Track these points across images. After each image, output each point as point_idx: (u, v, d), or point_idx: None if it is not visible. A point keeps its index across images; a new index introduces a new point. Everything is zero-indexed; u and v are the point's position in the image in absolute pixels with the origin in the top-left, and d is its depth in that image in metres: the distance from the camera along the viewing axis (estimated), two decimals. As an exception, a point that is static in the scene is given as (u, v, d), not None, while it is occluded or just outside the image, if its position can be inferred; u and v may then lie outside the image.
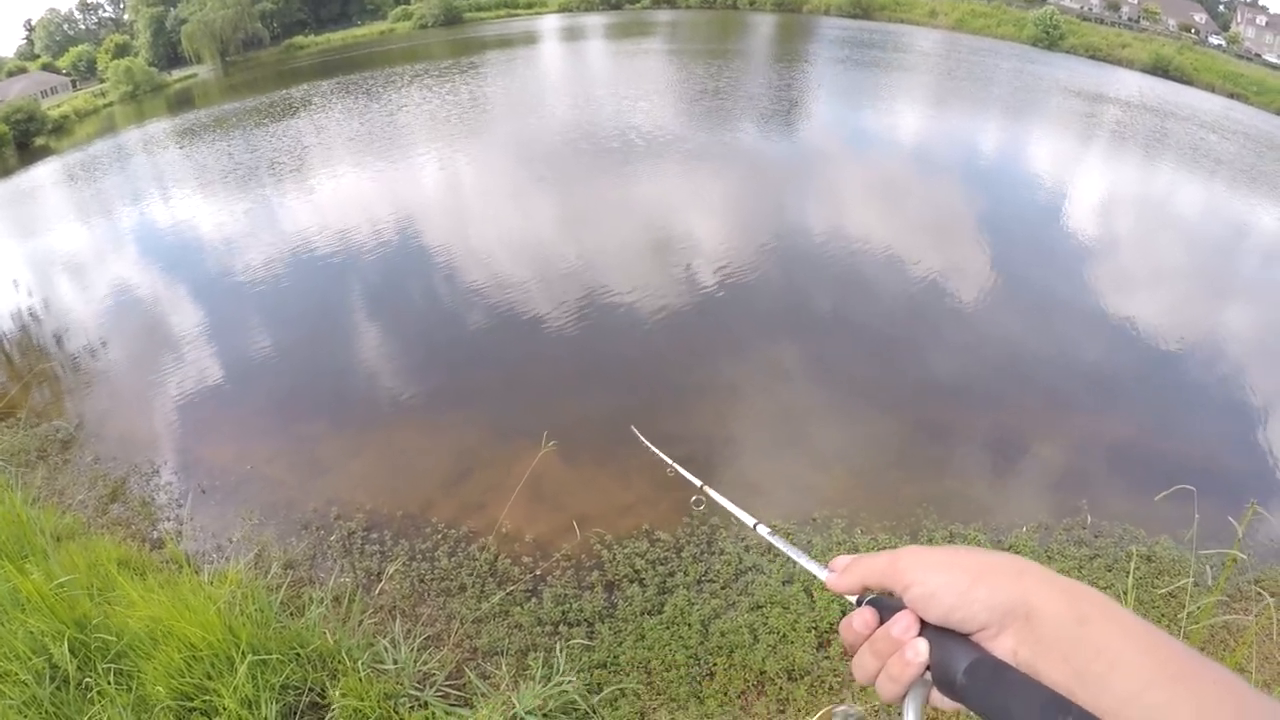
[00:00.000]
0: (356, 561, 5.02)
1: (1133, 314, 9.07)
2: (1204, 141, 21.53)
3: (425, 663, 3.45)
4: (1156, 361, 8.20)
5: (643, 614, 4.39)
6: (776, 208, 12.48)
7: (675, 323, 8.48)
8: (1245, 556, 4.78)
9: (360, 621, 3.86)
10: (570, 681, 3.38)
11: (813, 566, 0.73)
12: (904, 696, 0.60)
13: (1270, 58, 49.73)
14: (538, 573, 4.86)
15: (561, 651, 3.70)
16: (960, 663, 0.57)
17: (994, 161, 16.80)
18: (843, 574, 0.68)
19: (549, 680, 3.35)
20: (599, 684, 3.78)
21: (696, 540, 5.02)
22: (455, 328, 8.84)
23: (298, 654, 3.20)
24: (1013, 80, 28.62)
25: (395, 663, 3.35)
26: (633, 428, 1.59)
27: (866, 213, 12.35)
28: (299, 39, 61.45)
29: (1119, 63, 39.41)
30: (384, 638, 3.51)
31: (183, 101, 38.65)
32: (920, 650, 0.59)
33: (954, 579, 0.59)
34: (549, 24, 51.39)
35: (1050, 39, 41.40)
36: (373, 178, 15.52)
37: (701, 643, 4.12)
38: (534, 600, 4.58)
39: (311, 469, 6.33)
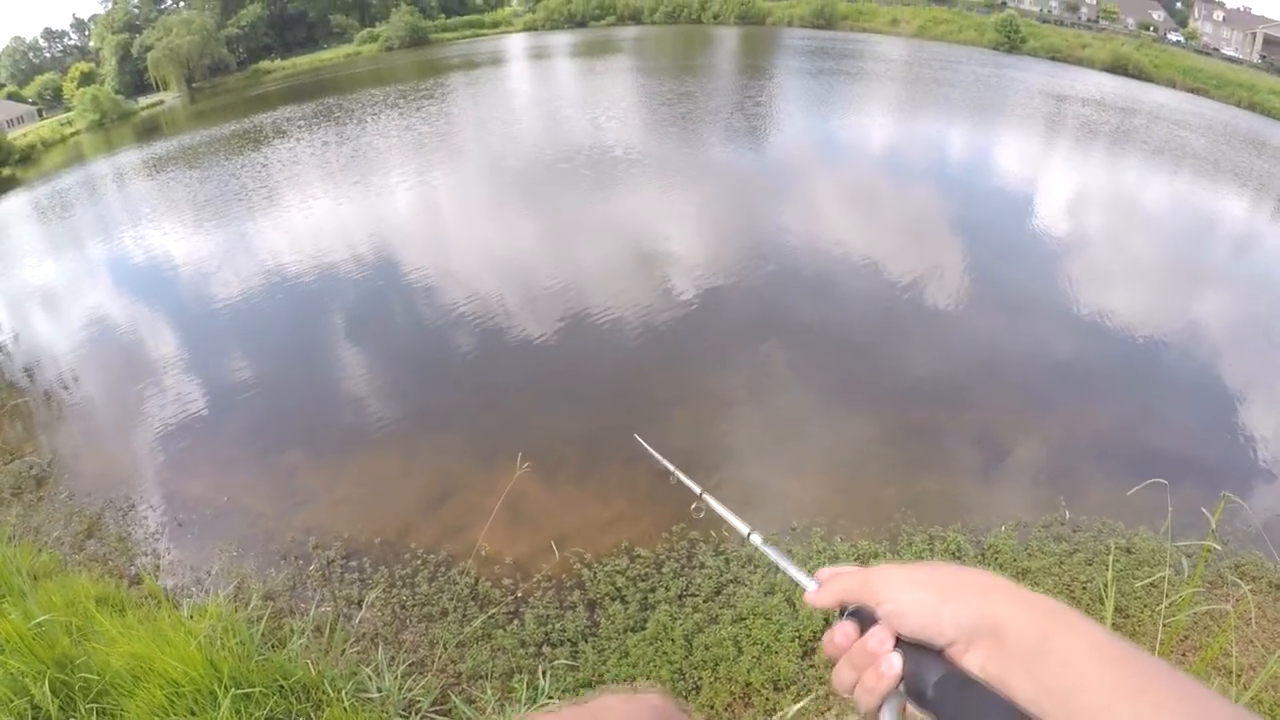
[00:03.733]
0: (337, 590, 4.97)
1: (1106, 310, 9.22)
2: (1175, 136, 21.97)
3: (410, 689, 3.43)
4: (1129, 356, 8.33)
5: (625, 631, 4.39)
6: (752, 222, 12.55)
7: (651, 338, 8.49)
8: (1220, 547, 4.85)
9: (343, 650, 3.84)
10: (556, 703, 3.37)
11: (800, 577, 0.74)
12: (879, 708, 0.62)
13: (1229, 51, 50.87)
14: (519, 594, 4.84)
15: (545, 673, 3.69)
16: (931, 677, 0.58)
17: (971, 164, 17.08)
18: (820, 591, 0.69)
19: (534, 702, 3.34)
20: (585, 703, 3.75)
21: (676, 555, 5.03)
22: (431, 351, 8.81)
23: (281, 686, 3.18)
24: (982, 85, 29.07)
25: (380, 691, 3.34)
26: (636, 436, 1.63)
27: (845, 219, 12.49)
28: (265, 64, 61.18)
29: (1080, 63, 40.15)
30: (367, 666, 3.49)
31: (150, 129, 38.27)
32: (893, 664, 0.60)
33: (923, 597, 0.60)
34: (516, 44, 51.47)
35: (1012, 43, 42.13)
36: (346, 204, 15.41)
37: (686, 657, 4.12)
38: (516, 622, 4.56)
39: (289, 498, 6.27)
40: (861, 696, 0.62)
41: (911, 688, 0.60)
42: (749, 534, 0.92)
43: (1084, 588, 4.54)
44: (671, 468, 1.20)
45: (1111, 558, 3.92)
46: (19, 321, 11.70)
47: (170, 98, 55.57)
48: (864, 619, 0.65)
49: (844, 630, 0.65)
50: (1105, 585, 3.68)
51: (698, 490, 1.10)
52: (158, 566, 5.49)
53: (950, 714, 0.57)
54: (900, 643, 0.61)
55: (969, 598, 0.59)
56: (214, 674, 3.03)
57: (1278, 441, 6.82)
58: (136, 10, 63.68)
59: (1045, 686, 0.52)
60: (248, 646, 3.38)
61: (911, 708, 0.61)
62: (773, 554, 0.84)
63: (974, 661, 0.57)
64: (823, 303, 9.38)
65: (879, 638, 0.62)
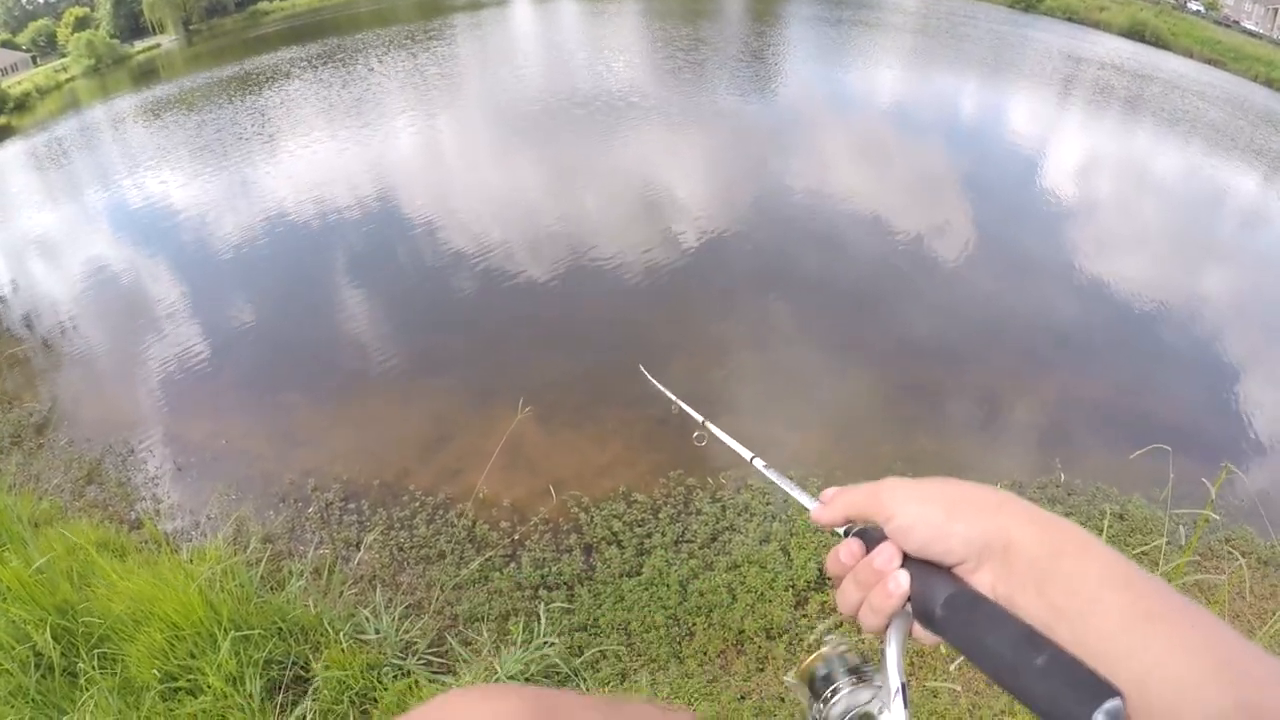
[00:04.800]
0: (335, 532, 5.02)
1: (1111, 274, 9.17)
2: (1191, 106, 21.63)
3: (407, 631, 3.47)
4: (1132, 322, 8.31)
5: (621, 576, 4.43)
6: (759, 169, 12.42)
7: (653, 285, 8.45)
8: (1217, 517, 4.87)
9: (341, 592, 3.88)
10: (552, 644, 3.42)
11: (803, 498, 0.74)
12: (886, 628, 0.60)
13: (1249, 25, 49.69)
14: (516, 537, 4.88)
15: (544, 614, 3.72)
16: (939, 595, 0.56)
17: (988, 124, 16.92)
18: (826, 507, 0.67)
19: (530, 644, 3.38)
20: (580, 647, 3.81)
21: (674, 501, 5.06)
22: (431, 293, 8.80)
23: (279, 628, 3.21)
24: (1000, 42, 28.57)
25: (377, 632, 3.36)
26: (640, 367, 1.63)
27: (850, 172, 12.35)
28: (263, 4, 59.85)
29: (1096, 25, 39.28)
30: (365, 608, 3.52)
31: (147, 74, 37.58)
32: (901, 582, 0.59)
33: (932, 512, 0.58)
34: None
35: (1028, 1, 41.13)
36: (346, 145, 15.20)
37: (680, 603, 4.16)
38: (513, 565, 4.61)
39: (287, 441, 6.30)
40: (867, 616, 0.61)
41: (919, 607, 0.58)
42: (752, 458, 0.92)
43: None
44: (674, 397, 1.20)
45: (1106, 523, 3.94)
46: (18, 270, 11.63)
47: (167, 41, 54.51)
48: (870, 538, 0.63)
49: (849, 548, 0.64)
50: (1099, 550, 3.69)
51: (700, 419, 1.10)
52: (157, 511, 5.54)
53: (958, 634, 0.55)
54: (908, 560, 0.60)
55: (980, 514, 0.57)
56: (214, 616, 3.06)
57: (1275, 415, 6.83)
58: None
59: (1056, 607, 0.51)
60: (247, 589, 3.40)
61: (918, 628, 0.60)
62: (775, 477, 0.84)
63: (983, 580, 0.56)
64: (828, 257, 9.32)
65: (886, 554, 0.60)
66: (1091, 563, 0.52)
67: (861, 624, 0.62)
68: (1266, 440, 6.51)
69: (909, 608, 0.59)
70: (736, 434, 1.00)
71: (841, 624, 2.91)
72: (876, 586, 0.60)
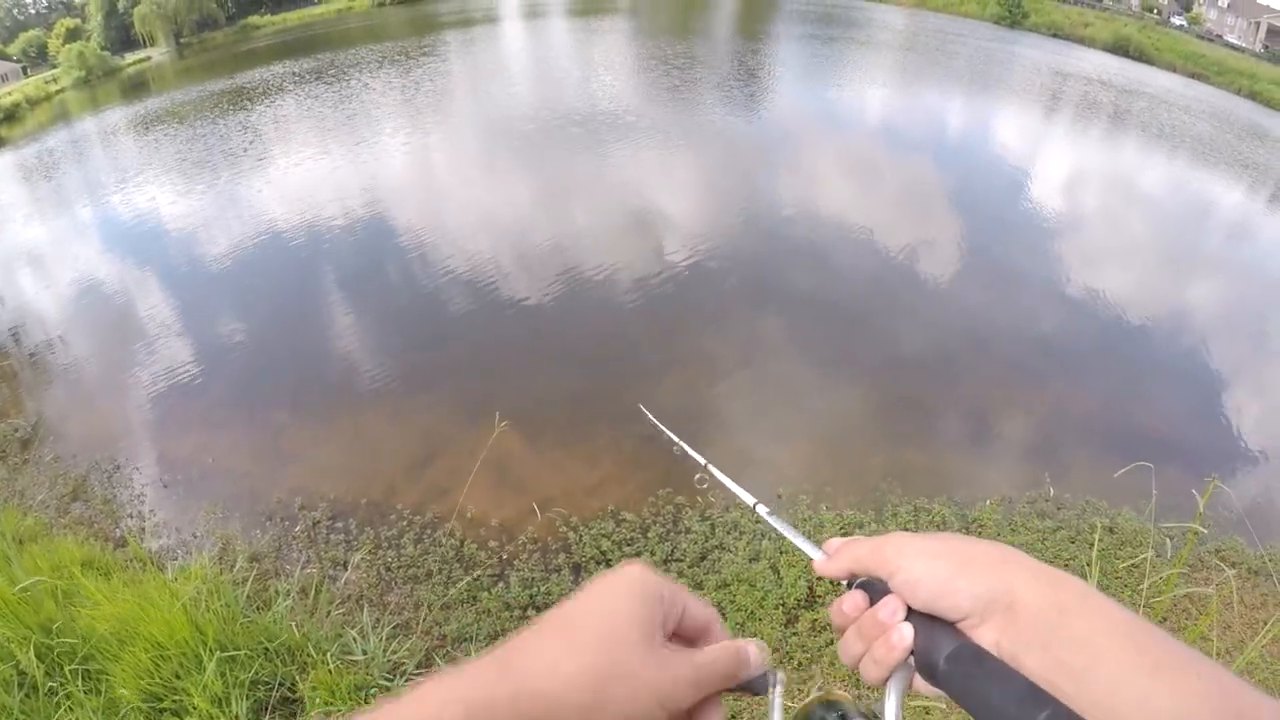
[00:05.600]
0: (322, 551, 4.98)
1: (1100, 288, 9.24)
2: (1177, 120, 21.93)
3: (395, 652, 3.44)
4: (1120, 335, 8.36)
5: (610, 596, 4.39)
6: (755, 187, 12.47)
7: (644, 302, 8.45)
8: (1205, 530, 4.89)
9: (328, 612, 3.85)
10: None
11: (808, 547, 0.73)
12: (887, 680, 0.61)
13: (1231, 39, 50.51)
14: (504, 556, 4.86)
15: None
16: (943, 649, 0.57)
17: (978, 140, 17.09)
18: (831, 559, 0.68)
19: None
20: (569, 668, 3.76)
21: (662, 520, 5.04)
22: (420, 311, 8.75)
23: (266, 648, 3.18)
24: (988, 59, 28.95)
25: (364, 653, 3.34)
26: (641, 406, 1.63)
27: (843, 189, 12.42)
28: (254, 19, 59.73)
29: (1081, 41, 39.79)
30: (352, 628, 3.49)
31: (137, 86, 37.49)
32: (905, 635, 0.59)
33: (937, 568, 0.59)
34: (509, 1, 50.20)
35: (1013, 17, 41.63)
36: (338, 162, 15.13)
37: (669, 623, 4.12)
38: (501, 585, 4.58)
39: (274, 459, 6.26)
40: (869, 669, 0.62)
41: (922, 660, 0.59)
42: (754, 505, 0.92)
43: (1066, 566, 4.57)
44: (676, 439, 1.19)
45: (1096, 536, 3.95)
46: (4, 283, 11.54)
47: (158, 54, 54.31)
48: (874, 590, 0.64)
49: (853, 600, 0.65)
50: (1089, 564, 3.71)
51: (703, 461, 1.09)
52: (143, 529, 5.49)
53: (961, 688, 0.56)
54: (911, 614, 0.60)
55: (985, 570, 0.58)
56: (199, 637, 3.03)
57: (1261, 427, 6.88)
58: (122, -36, 62.10)
59: (1060, 661, 0.52)
60: (233, 609, 3.37)
61: (919, 682, 0.61)
62: (779, 525, 0.84)
63: (987, 637, 0.56)
64: (816, 272, 9.35)
65: (890, 608, 0.61)
66: (1095, 617, 0.53)
67: (863, 675, 0.62)
68: (1254, 450, 6.56)
69: (911, 661, 0.60)
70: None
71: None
72: (880, 639, 0.61)
